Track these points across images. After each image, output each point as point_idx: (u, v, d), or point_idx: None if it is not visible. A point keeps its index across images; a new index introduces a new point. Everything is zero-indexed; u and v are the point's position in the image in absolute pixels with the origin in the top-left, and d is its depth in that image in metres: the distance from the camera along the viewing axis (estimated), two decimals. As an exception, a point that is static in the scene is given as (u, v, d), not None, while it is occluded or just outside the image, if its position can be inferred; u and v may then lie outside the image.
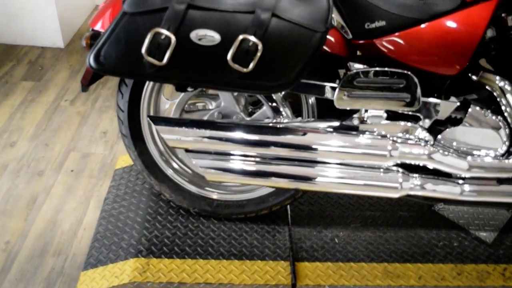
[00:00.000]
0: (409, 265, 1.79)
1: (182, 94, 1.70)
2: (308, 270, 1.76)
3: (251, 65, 1.29)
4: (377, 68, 1.52)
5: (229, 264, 1.78)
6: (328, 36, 1.53)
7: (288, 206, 1.97)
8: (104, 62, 1.35)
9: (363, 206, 2.01)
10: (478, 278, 1.76)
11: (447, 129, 1.63)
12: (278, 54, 1.31)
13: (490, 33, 1.57)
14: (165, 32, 1.30)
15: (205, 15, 1.31)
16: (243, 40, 1.29)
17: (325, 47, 1.56)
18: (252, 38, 1.29)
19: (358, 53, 1.62)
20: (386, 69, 1.51)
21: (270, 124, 1.59)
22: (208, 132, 1.56)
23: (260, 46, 1.29)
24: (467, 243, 1.89)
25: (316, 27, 1.31)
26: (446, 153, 1.59)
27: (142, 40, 1.31)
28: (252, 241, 1.85)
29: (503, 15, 1.53)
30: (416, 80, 1.51)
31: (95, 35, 1.55)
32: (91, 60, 1.36)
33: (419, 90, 1.52)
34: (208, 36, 1.31)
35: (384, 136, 1.57)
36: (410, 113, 1.60)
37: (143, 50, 1.30)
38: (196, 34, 1.31)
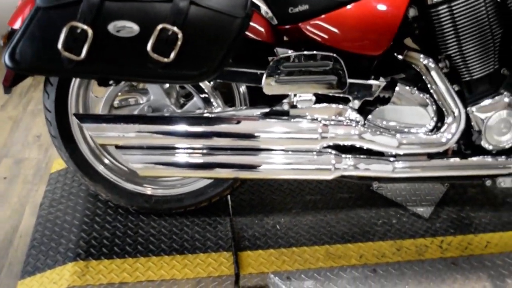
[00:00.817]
0: (350, 245, 1.82)
1: (110, 90, 1.66)
2: (251, 259, 1.75)
3: (172, 55, 1.27)
4: (303, 52, 1.52)
5: (171, 260, 1.75)
6: (253, 24, 1.53)
7: (229, 197, 1.96)
8: (20, 60, 1.30)
9: (304, 191, 2.02)
10: (417, 252, 1.81)
11: (377, 109, 1.66)
12: (199, 42, 1.30)
13: (412, 12, 1.60)
14: (81, 25, 1.26)
15: (122, 6, 1.28)
16: (163, 29, 1.27)
17: (251, 34, 1.55)
18: (172, 27, 1.26)
19: (285, 38, 1.63)
20: (312, 52, 1.52)
21: (200, 115, 1.58)
22: (137, 127, 1.53)
23: (180, 35, 1.27)
24: (405, 219, 1.94)
25: (236, 12, 1.30)
26: (376, 132, 1.62)
27: (58, 35, 1.27)
28: (194, 235, 1.83)
29: (423, -6, 1.56)
30: (342, 62, 1.52)
31: (13, 34, 1.49)
32: (7, 59, 1.31)
33: (345, 72, 1.53)
34: (127, 27, 1.28)
35: (314, 120, 1.57)
36: (339, 95, 1.62)
37: (60, 45, 1.26)
38: (114, 26, 1.28)
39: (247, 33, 1.53)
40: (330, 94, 1.61)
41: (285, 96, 1.60)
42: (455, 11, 1.54)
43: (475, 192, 2.08)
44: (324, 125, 1.57)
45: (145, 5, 1.28)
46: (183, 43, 1.27)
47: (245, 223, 1.88)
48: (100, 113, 1.67)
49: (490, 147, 1.72)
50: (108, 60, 1.29)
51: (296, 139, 1.57)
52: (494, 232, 1.91)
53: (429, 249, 1.82)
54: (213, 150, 1.60)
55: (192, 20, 1.28)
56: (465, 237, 1.88)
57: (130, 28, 1.28)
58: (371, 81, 1.61)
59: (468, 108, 1.67)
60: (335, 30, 1.53)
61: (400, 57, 1.65)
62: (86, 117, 1.55)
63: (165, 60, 1.27)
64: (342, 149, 1.67)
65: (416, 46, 1.71)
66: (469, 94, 1.67)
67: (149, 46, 1.26)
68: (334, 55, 1.52)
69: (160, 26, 1.26)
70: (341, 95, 1.62)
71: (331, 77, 1.53)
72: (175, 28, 1.26)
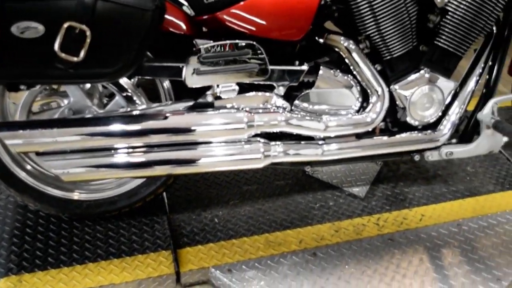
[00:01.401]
0: (289, 232, 1.82)
1: (26, 94, 1.59)
2: (190, 255, 1.73)
3: (82, 53, 1.22)
4: (222, 42, 1.50)
5: (109, 264, 1.70)
6: (170, 16, 1.50)
7: (164, 194, 1.92)
8: None
9: (240, 182, 2.01)
10: (355, 232, 1.83)
11: (303, 94, 1.66)
12: (110, 38, 1.26)
13: (330, -5, 1.61)
14: (-19, 29, 1.19)
15: (25, 6, 1.22)
16: (69, 27, 1.22)
17: (169, 27, 1.52)
18: (79, 25, 1.22)
19: (204, 29, 1.60)
20: (231, 42, 1.50)
21: (122, 114, 1.53)
22: (56, 131, 1.47)
23: (88, 32, 1.22)
24: (342, 200, 1.96)
25: (145, 5, 1.27)
26: (303, 117, 1.62)
27: None
28: (131, 237, 1.79)
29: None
30: (262, 49, 1.51)
31: None
32: None
33: (266, 59, 1.53)
34: (31, 28, 1.22)
35: (240, 109, 1.56)
36: (264, 82, 1.61)
37: (-41, 51, 1.19)
38: (17, 28, 1.22)
39: (165, 26, 1.50)
40: (255, 83, 1.60)
41: (210, 88, 1.57)
42: (369, -9, 1.56)
43: (407, 168, 2.13)
44: (250, 113, 1.55)
45: (49, 3, 1.22)
46: (93, 40, 1.22)
47: (182, 220, 1.85)
48: (16, 119, 1.59)
49: (416, 123, 1.76)
50: (14, 63, 1.23)
51: (223, 130, 1.55)
52: (428, 205, 1.97)
53: (367, 228, 1.85)
54: (140, 148, 1.56)
55: (99, 15, 1.23)
56: (400, 212, 1.93)
57: (35, 28, 1.22)
58: (293, 67, 1.61)
59: (391, 86, 1.70)
60: (253, 17, 1.52)
61: (321, 40, 1.66)
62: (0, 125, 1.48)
63: (75, 59, 1.22)
64: (273, 137, 1.67)
65: (338, 29, 1.73)
66: (391, 72, 1.70)
67: (56, 46, 1.21)
68: (254, 43, 1.50)
69: (66, 24, 1.21)
70: (267, 83, 1.61)
71: (252, 65, 1.52)
72: (82, 26, 1.21)
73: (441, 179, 2.08)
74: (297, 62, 1.64)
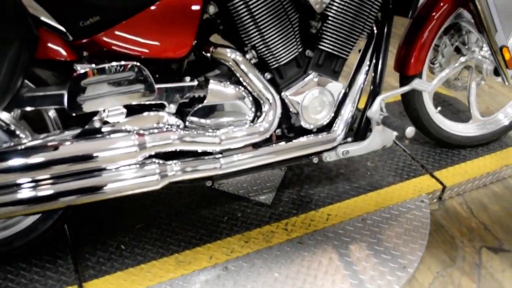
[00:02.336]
0: (199, 249, 1.80)
1: None
2: (98, 287, 1.67)
3: None
4: (101, 65, 1.46)
5: (9, 310, 1.61)
6: (48, 44, 1.44)
7: (66, 227, 1.84)
8: None
9: (145, 205, 1.97)
10: (264, 240, 1.84)
11: (196, 109, 1.65)
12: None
13: (212, 9, 1.61)
14: None
15: None
16: None
17: (49, 55, 1.46)
18: None
19: (85, 53, 1.55)
20: (111, 64, 1.46)
21: (5, 150, 1.45)
22: None
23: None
24: (249, 210, 1.97)
25: (9, 36, 1.20)
26: (197, 133, 1.61)
27: None
28: (33, 277, 1.69)
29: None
30: (145, 69, 1.49)
31: None
32: None
33: (151, 79, 1.50)
34: None
35: (130, 132, 1.52)
36: (155, 102, 1.58)
37: None
38: None
39: (43, 53, 1.44)
40: (146, 103, 1.57)
41: (97, 113, 1.52)
42: (250, 3, 1.57)
43: (311, 170, 2.18)
44: (140, 135, 1.52)
45: None
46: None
47: (87, 251, 1.78)
48: None
49: (311, 126, 1.80)
50: None
51: (114, 155, 1.50)
52: (333, 204, 2.01)
53: (276, 234, 1.87)
54: (28, 183, 1.48)
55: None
56: (308, 214, 1.96)
57: None
58: (182, 83, 1.59)
59: (282, 93, 1.73)
60: (133, 38, 1.49)
61: (208, 55, 1.66)
62: None
63: None
64: (173, 155, 1.64)
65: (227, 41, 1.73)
66: (281, 79, 1.73)
67: None
68: (136, 63, 1.47)
69: None
70: (157, 102, 1.59)
71: (137, 86, 1.49)
72: None
73: (344, 177, 2.15)
74: (188, 78, 1.63)
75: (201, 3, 1.53)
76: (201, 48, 1.67)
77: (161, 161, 1.58)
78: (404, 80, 2.10)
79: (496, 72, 2.16)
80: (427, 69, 2.19)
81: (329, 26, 1.70)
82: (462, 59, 2.17)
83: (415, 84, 1.85)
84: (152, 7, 1.49)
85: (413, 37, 2.07)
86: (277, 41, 1.65)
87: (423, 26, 2.05)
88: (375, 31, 1.87)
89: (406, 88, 1.85)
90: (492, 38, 2.03)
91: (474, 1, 1.95)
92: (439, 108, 2.23)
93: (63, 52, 1.49)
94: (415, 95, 2.11)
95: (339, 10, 1.68)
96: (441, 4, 2.03)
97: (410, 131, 1.73)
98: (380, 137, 1.86)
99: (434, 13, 2.04)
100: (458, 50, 2.23)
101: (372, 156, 2.28)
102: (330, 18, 1.68)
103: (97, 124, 1.51)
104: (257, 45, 1.64)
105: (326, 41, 1.71)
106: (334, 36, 1.71)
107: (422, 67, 2.08)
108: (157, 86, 1.53)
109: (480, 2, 1.94)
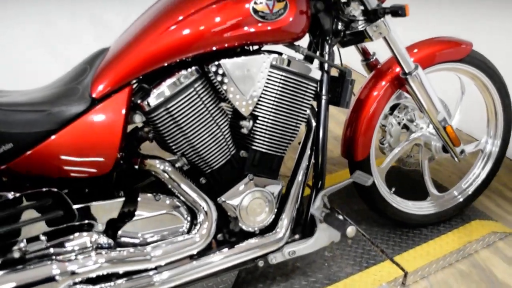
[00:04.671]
0: None
1: None
2: None
3: None
4: (17, 194, 1.40)
5: None
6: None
7: None
8: None
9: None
10: None
11: (127, 225, 1.58)
12: None
13: (138, 119, 1.57)
14: None
15: None
16: None
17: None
18: None
19: (4, 179, 1.49)
20: (25, 192, 1.40)
21: None
22: None
23: None
24: (200, 319, 1.85)
25: None
26: (126, 252, 1.53)
27: None
28: None
29: (139, 101, 1.54)
30: (61, 193, 1.43)
31: None
32: None
33: (70, 202, 1.44)
34: None
35: (50, 260, 1.44)
36: (80, 223, 1.51)
37: None
38: None
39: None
40: (70, 225, 1.50)
41: (16, 243, 1.45)
42: (173, 112, 1.54)
43: (267, 267, 2.08)
44: (62, 263, 1.44)
45: None
46: None
47: None
48: None
49: (253, 229, 1.73)
50: None
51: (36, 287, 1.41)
52: (288, 304, 1.91)
53: None
54: None
55: None
56: (262, 318, 1.85)
57: None
58: (107, 201, 1.53)
59: (218, 199, 1.66)
60: (50, 161, 1.44)
61: (136, 166, 1.60)
62: None
63: None
64: (102, 278, 1.54)
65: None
66: (216, 184, 1.67)
67: None
68: (53, 189, 1.42)
69: None
70: (83, 222, 1.52)
71: (54, 212, 1.42)
72: None
73: (300, 272, 2.05)
74: (121, 193, 1.57)
75: (123, 117, 1.49)
76: (129, 159, 1.62)
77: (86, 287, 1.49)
78: (353, 166, 2.05)
79: (445, 149, 2.12)
80: (379, 149, 2.16)
81: (259, 126, 1.65)
82: (411, 137, 2.14)
83: (355, 178, 1.79)
84: (70, 127, 1.44)
85: (356, 121, 2.02)
86: (206, 147, 1.61)
87: (365, 109, 2.00)
88: (313, 122, 1.82)
89: (346, 182, 1.79)
90: (435, 119, 2.00)
91: (410, 85, 1.94)
92: (393, 189, 2.17)
93: (-19, 181, 1.43)
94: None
95: (267, 109, 1.64)
96: (382, 84, 2.01)
97: (351, 230, 1.66)
98: (325, 234, 1.79)
99: (375, 93, 2.00)
100: (406, 127, 2.19)
101: (330, 245, 2.19)
102: (259, 118, 1.64)
103: (16, 254, 1.43)
104: (186, 153, 1.60)
105: (259, 141, 1.67)
106: (267, 135, 1.67)
107: (368, 151, 2.04)
108: (81, 205, 1.47)
109: (414, 86, 1.92)
